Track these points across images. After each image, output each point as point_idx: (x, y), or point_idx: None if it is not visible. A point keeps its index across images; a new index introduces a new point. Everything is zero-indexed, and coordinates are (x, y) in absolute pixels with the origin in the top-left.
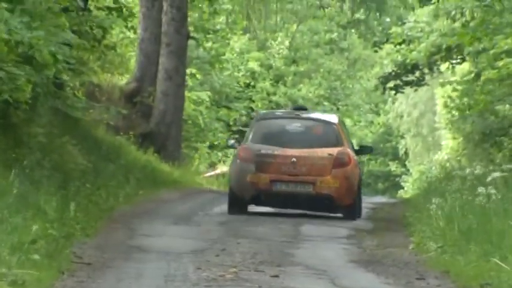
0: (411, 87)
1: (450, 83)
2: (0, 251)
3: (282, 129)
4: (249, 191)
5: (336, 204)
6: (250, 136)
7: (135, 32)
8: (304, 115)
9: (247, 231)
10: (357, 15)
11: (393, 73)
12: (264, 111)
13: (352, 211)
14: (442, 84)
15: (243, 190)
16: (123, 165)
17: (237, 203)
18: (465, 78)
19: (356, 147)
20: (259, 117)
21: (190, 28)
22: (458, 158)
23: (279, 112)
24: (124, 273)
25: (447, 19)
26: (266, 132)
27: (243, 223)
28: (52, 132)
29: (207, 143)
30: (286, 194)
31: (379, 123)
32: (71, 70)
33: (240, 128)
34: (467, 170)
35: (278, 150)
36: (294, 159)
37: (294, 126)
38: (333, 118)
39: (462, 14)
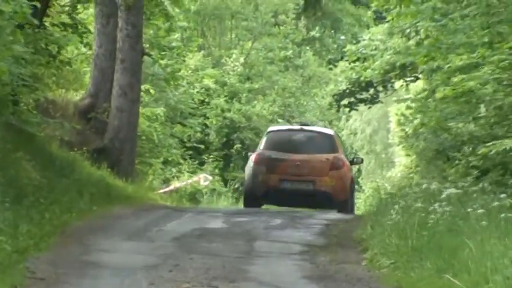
0: (365, 104)
1: (404, 100)
2: None
3: (289, 139)
4: (261, 188)
5: (332, 199)
6: (262, 145)
7: (90, 48)
8: (307, 128)
9: (200, 247)
10: (312, 33)
11: (347, 90)
12: (272, 126)
13: (345, 206)
14: (398, 102)
15: (256, 188)
16: (77, 180)
17: (251, 199)
18: (419, 96)
19: (350, 159)
20: (269, 131)
21: (146, 45)
22: (411, 175)
23: (285, 127)
24: None
25: (402, 37)
26: (275, 142)
27: (196, 239)
28: (6, 148)
29: (161, 159)
30: (292, 190)
31: None
32: (25, 86)
33: (194, 144)
34: (422, 186)
35: (285, 155)
36: (298, 162)
37: (298, 136)
38: (330, 131)
39: (417, 33)
